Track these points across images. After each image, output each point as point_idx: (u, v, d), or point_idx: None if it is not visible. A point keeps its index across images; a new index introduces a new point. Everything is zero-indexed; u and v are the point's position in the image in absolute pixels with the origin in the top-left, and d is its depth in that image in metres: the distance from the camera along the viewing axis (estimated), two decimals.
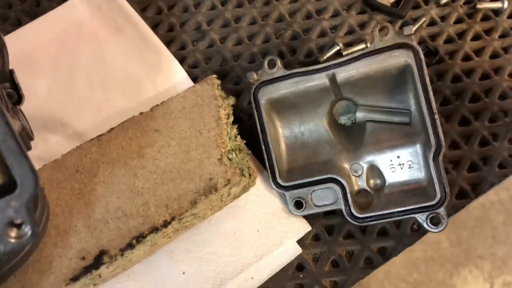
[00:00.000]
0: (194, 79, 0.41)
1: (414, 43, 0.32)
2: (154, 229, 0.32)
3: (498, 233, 0.78)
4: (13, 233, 0.23)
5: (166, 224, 0.32)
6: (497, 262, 0.76)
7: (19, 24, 0.44)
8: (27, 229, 0.23)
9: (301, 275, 0.36)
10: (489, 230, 0.78)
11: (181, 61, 0.42)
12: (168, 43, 0.43)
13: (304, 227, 0.35)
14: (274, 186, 0.35)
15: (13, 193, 0.22)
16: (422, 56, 0.32)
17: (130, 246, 0.31)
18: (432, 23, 0.44)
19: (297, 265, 0.36)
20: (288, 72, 0.35)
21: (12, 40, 0.41)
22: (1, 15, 0.44)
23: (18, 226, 0.23)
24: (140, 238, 0.32)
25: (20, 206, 0.22)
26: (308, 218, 0.36)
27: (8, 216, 0.22)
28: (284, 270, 0.35)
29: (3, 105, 0.25)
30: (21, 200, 0.22)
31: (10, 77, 0.33)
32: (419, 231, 0.36)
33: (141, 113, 0.37)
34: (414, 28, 0.42)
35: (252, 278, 0.34)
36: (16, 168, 0.22)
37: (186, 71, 0.41)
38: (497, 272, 0.75)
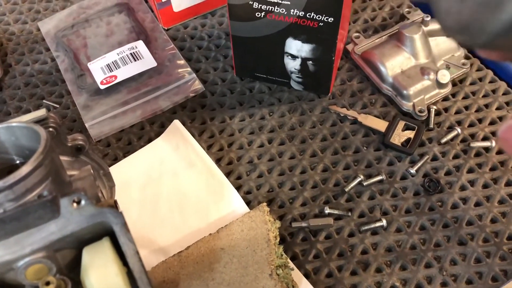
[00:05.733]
0: (248, 203, 0.53)
1: None
2: None
3: None
4: None
5: None
6: None
7: (115, 159, 0.58)
8: None
9: None
10: None
11: (238, 188, 0.54)
12: (227, 174, 0.55)
13: None
14: None
15: None
16: None
17: None
18: (434, 158, 0.55)
19: None
20: None
21: (111, 172, 0.54)
22: (102, 151, 0.58)
23: None
24: None
25: None
26: None
27: None
28: None
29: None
30: None
31: (115, 207, 0.47)
32: None
33: (210, 234, 0.49)
34: (419, 164, 0.54)
35: None
36: None
37: (242, 196, 0.54)
38: None
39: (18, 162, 0.36)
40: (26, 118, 0.42)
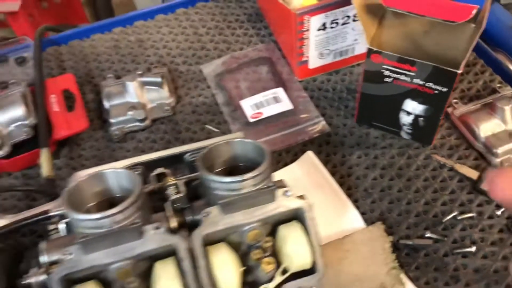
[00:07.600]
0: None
1: None
2: None
3: None
4: None
5: None
6: None
7: None
8: None
9: None
10: None
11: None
12: (348, 197, 0.72)
13: None
14: None
15: (314, 274, 0.50)
16: None
17: None
18: None
19: None
20: None
21: None
22: None
23: None
24: None
25: (318, 280, 0.50)
26: None
27: (309, 285, 0.50)
28: None
29: None
30: (318, 276, 0.50)
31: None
32: None
33: (338, 239, 0.65)
34: (504, 208, 0.68)
35: None
36: (318, 261, 0.50)
37: None
38: None
39: (240, 165, 0.54)
40: (225, 137, 0.60)
